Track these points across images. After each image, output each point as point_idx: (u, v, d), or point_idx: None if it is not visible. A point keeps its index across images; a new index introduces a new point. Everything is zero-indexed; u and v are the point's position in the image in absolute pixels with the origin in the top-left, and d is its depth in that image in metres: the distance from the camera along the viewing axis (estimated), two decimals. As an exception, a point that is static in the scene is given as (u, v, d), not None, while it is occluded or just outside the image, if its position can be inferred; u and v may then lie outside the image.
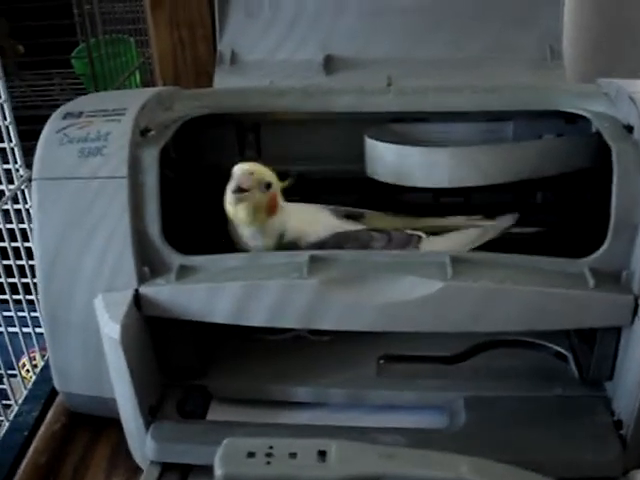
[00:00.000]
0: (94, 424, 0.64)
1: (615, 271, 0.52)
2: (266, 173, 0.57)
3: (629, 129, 0.54)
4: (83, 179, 0.55)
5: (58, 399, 0.65)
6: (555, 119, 0.64)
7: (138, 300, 0.55)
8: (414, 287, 0.52)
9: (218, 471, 0.45)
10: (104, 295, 0.55)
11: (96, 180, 0.55)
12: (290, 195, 0.61)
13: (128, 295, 0.55)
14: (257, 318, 0.54)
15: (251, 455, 0.46)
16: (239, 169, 0.57)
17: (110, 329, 0.53)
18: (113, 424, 0.61)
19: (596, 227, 0.63)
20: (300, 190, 0.62)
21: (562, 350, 0.61)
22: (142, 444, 0.56)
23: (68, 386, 0.61)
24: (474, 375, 0.59)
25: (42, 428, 0.63)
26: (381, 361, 0.61)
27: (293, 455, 0.46)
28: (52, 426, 0.63)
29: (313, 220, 0.60)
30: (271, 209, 0.58)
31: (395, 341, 0.62)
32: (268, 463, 0.45)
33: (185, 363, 0.59)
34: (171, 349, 0.58)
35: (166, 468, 0.55)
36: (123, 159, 0.55)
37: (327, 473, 0.45)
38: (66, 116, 0.59)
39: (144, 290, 0.55)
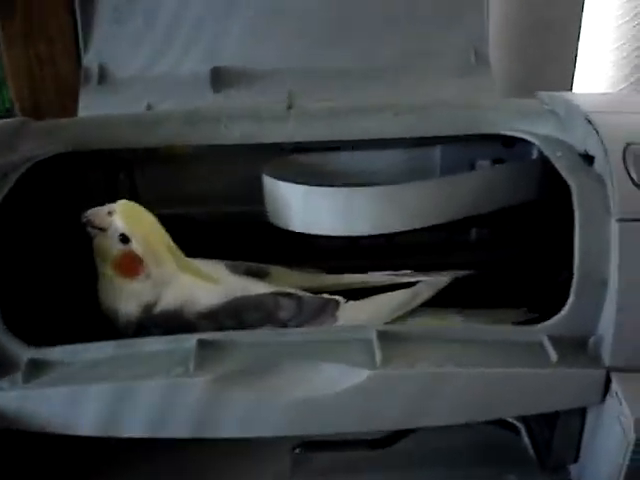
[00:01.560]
0: None
1: (580, 338, 0.42)
2: (128, 222, 0.45)
3: (589, 159, 0.44)
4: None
5: None
6: (490, 142, 0.54)
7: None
8: (334, 378, 0.40)
9: None
10: None
11: None
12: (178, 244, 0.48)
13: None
14: (134, 429, 0.42)
15: None
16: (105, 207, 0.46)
17: None
18: None
19: (544, 269, 0.53)
20: (186, 239, 0.50)
21: (513, 421, 0.51)
22: None
23: None
24: (406, 464, 0.49)
25: None
26: (296, 450, 0.50)
27: None
28: None
29: (203, 280, 0.48)
30: (128, 270, 0.46)
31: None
32: None
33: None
34: (24, 468, 0.45)
35: None
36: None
37: None
38: None
39: (-19, 394, 0.42)
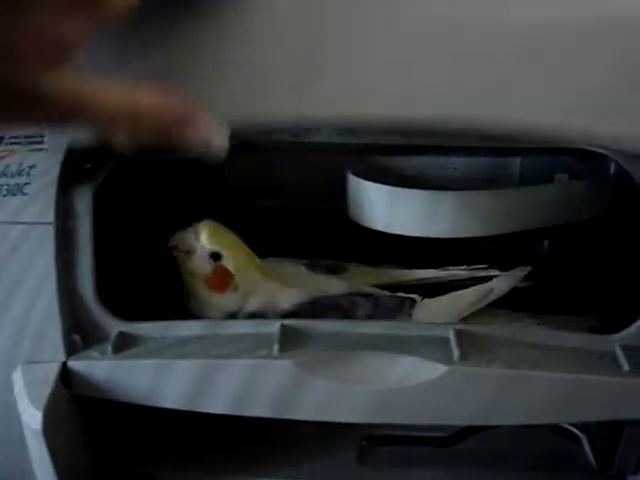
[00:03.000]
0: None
1: (654, 349, 0.43)
2: (216, 241, 0.48)
3: None
4: (2, 224, 0.44)
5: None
6: (569, 156, 0.55)
7: (66, 375, 0.44)
8: (411, 370, 0.42)
9: None
10: (24, 368, 0.44)
11: (17, 226, 0.44)
12: (257, 235, 0.50)
13: (53, 370, 0.44)
14: (217, 405, 0.44)
15: None
16: (188, 230, 0.48)
17: (30, 417, 0.42)
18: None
19: (614, 284, 0.54)
20: (266, 231, 0.52)
21: (575, 430, 0.52)
22: None
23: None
24: (470, 464, 0.50)
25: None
26: (364, 442, 0.51)
27: None
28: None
29: (284, 283, 0.50)
30: (219, 285, 0.48)
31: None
32: None
33: (127, 449, 0.48)
34: (108, 434, 0.47)
35: None
36: (50, 200, 0.44)
37: None
38: (-19, 144, 0.47)
39: (74, 364, 0.44)
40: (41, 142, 0.46)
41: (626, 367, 0.42)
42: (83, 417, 0.46)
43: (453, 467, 0.49)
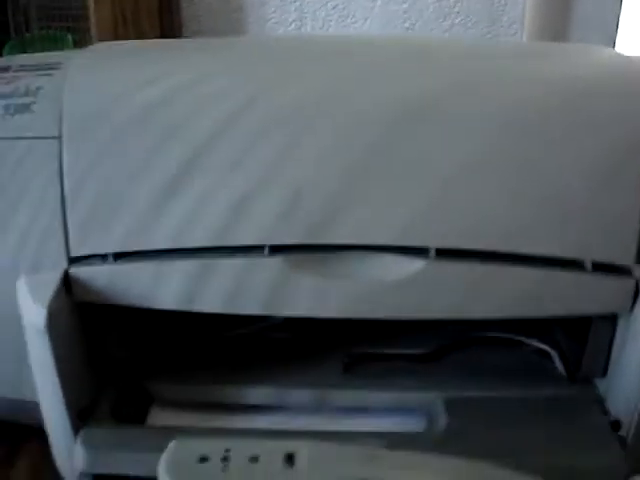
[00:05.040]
0: (12, 437, 0.55)
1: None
2: None
3: None
4: (7, 139, 0.47)
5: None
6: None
7: (68, 282, 0.47)
8: (392, 266, 0.45)
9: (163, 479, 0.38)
10: (28, 277, 0.47)
11: (23, 141, 0.47)
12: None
13: (56, 276, 0.47)
14: (211, 303, 0.47)
15: (204, 460, 0.38)
16: None
17: (35, 315, 0.45)
18: (35, 436, 0.52)
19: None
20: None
21: (545, 347, 0.55)
22: (70, 454, 0.47)
23: (-19, 388, 0.52)
24: (451, 374, 0.53)
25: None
26: (346, 360, 0.54)
27: (254, 459, 0.38)
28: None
29: None
30: None
31: (361, 339, 0.56)
32: (224, 469, 0.38)
33: (122, 357, 0.51)
34: (106, 341, 0.50)
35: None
36: (55, 117, 0.47)
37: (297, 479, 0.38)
38: (-10, 70, 0.51)
39: (75, 271, 0.47)
40: (48, 69, 0.50)
41: (589, 267, 0.46)
42: (83, 325, 0.49)
43: (434, 377, 0.52)
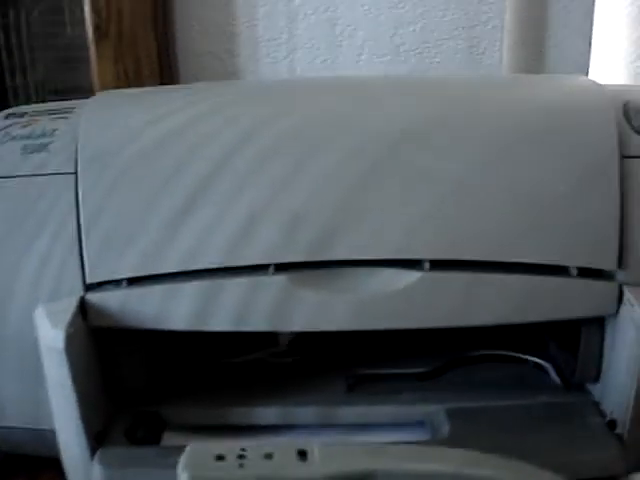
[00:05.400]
0: (29, 468, 0.56)
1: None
2: None
3: None
4: (26, 176, 0.51)
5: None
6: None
7: (84, 309, 0.50)
8: (390, 279, 0.48)
9: (183, 478, 0.39)
10: (46, 305, 0.49)
11: (41, 177, 0.51)
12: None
13: (73, 302, 0.49)
14: (220, 322, 0.49)
15: (220, 458, 0.40)
16: None
17: (53, 338, 0.47)
18: (50, 467, 0.54)
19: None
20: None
21: (539, 361, 0.58)
22: (87, 477, 0.49)
23: (1, 418, 0.53)
24: (452, 388, 0.55)
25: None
26: (350, 381, 0.56)
27: (269, 456, 0.40)
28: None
29: None
30: None
31: (363, 362, 0.58)
32: (241, 466, 0.40)
33: (135, 384, 0.53)
34: (120, 367, 0.52)
35: (115, 498, 0.48)
36: (71, 154, 0.51)
37: (311, 471, 0.39)
38: (8, 116, 0.55)
39: (91, 297, 0.50)
40: (62, 113, 0.54)
41: (574, 272, 0.49)
42: (98, 351, 0.51)
43: (435, 392, 0.55)
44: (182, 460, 0.40)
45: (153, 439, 0.52)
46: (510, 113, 0.51)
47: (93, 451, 0.49)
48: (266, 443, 0.44)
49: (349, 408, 0.53)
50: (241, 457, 0.40)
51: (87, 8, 0.73)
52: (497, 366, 0.58)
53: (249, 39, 0.79)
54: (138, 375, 0.53)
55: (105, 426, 0.51)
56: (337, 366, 0.58)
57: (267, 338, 0.60)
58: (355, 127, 0.51)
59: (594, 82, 0.56)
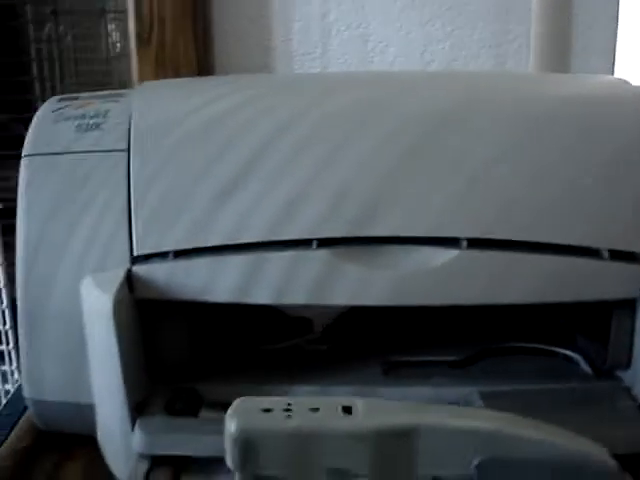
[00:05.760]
0: (61, 445, 0.57)
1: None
2: None
3: None
4: (80, 153, 0.53)
5: (23, 419, 0.58)
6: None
7: (130, 281, 0.51)
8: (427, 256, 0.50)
9: (232, 426, 0.40)
10: (94, 275, 0.51)
11: (94, 154, 0.53)
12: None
13: (120, 274, 0.51)
14: (263, 295, 0.51)
15: (267, 411, 0.41)
16: None
17: (102, 304, 0.48)
18: (85, 444, 0.55)
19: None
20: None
21: (570, 353, 0.58)
22: (126, 446, 0.50)
23: (40, 392, 0.54)
24: (484, 375, 0.56)
25: (2, 449, 0.56)
26: (384, 367, 0.57)
27: (315, 410, 0.41)
28: (15, 445, 0.56)
29: None
30: None
31: (396, 350, 0.59)
32: (288, 417, 0.41)
33: (176, 359, 0.54)
34: (162, 341, 0.53)
35: (156, 463, 0.49)
36: (123, 133, 0.53)
37: (356, 424, 0.40)
38: (61, 100, 0.57)
39: (138, 269, 0.51)
40: (114, 97, 0.56)
41: (606, 255, 0.50)
42: (142, 323, 0.52)
43: (469, 377, 0.56)
44: (230, 411, 0.41)
45: (191, 413, 0.53)
46: (545, 101, 0.54)
47: (134, 421, 0.50)
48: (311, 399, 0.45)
49: (385, 389, 0.54)
50: (287, 410, 0.41)
51: (130, 15, 0.77)
52: (527, 358, 0.59)
53: (284, 53, 0.82)
54: (179, 350, 0.54)
55: (145, 399, 0.52)
56: (371, 353, 0.59)
57: (303, 325, 0.61)
58: (392, 111, 0.53)
59: (621, 79, 0.59)
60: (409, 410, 0.42)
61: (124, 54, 0.92)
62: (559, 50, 0.79)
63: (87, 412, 0.53)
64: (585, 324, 0.59)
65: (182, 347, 0.54)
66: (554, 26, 0.80)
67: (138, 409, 0.51)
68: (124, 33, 0.89)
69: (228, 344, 0.59)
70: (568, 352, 0.59)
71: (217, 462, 0.45)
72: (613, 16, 0.78)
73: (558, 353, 0.59)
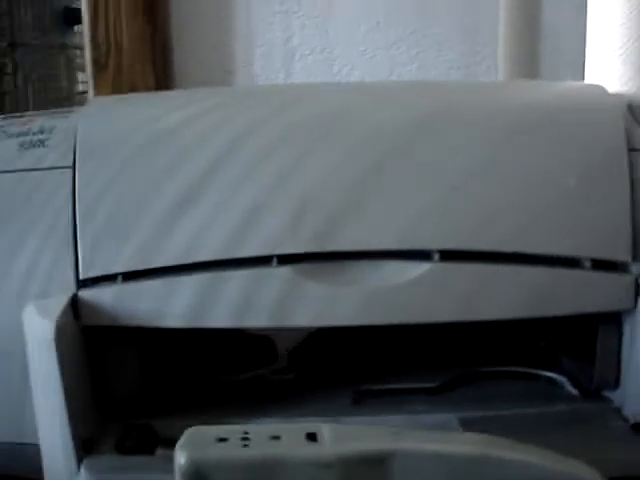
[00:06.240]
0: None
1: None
2: None
3: None
4: (22, 171, 0.49)
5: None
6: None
7: (76, 307, 0.47)
8: (396, 270, 0.46)
9: (181, 458, 0.36)
10: (36, 303, 0.47)
11: (37, 172, 0.49)
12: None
13: (64, 300, 0.47)
14: (221, 318, 0.47)
15: (222, 440, 0.37)
16: None
17: (43, 329, 0.44)
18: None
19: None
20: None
21: (554, 375, 0.55)
22: (71, 487, 0.45)
23: (-21, 433, 0.49)
24: (464, 401, 0.52)
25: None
26: (355, 396, 0.53)
27: (276, 438, 0.37)
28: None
29: None
30: None
31: (368, 378, 0.55)
32: (246, 446, 0.36)
33: (127, 392, 0.49)
34: (111, 373, 0.49)
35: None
36: (69, 149, 0.49)
37: (322, 451, 0.36)
38: (5, 118, 0.54)
39: (84, 294, 0.47)
40: (61, 113, 0.53)
41: (588, 264, 0.47)
42: (89, 353, 0.48)
43: (447, 402, 0.52)
44: (180, 441, 0.37)
45: (146, 451, 0.48)
46: (522, 108, 0.51)
47: (80, 460, 0.45)
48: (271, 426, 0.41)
49: (356, 418, 0.50)
50: (245, 439, 0.37)
51: (87, 41, 0.74)
52: (508, 382, 0.55)
53: (246, 78, 0.80)
54: (131, 382, 0.49)
55: (93, 436, 0.47)
56: (341, 381, 0.54)
57: (267, 354, 0.57)
58: (359, 121, 0.50)
59: (599, 86, 0.56)
60: (382, 435, 0.38)
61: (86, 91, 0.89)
62: (527, 70, 0.78)
63: (32, 454, 0.48)
64: (569, 343, 0.55)
65: (133, 378, 0.50)
66: (521, 46, 0.79)
67: (85, 448, 0.46)
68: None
69: (185, 375, 0.55)
70: (552, 374, 0.55)
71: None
72: (581, 34, 0.76)
73: (540, 376, 0.55)
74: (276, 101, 0.53)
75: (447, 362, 0.56)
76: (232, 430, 0.37)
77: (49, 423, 0.45)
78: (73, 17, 0.99)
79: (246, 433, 0.37)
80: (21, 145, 0.50)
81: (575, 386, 0.53)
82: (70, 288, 0.47)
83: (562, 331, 0.55)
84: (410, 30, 0.79)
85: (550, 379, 0.55)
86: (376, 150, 0.49)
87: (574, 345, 0.54)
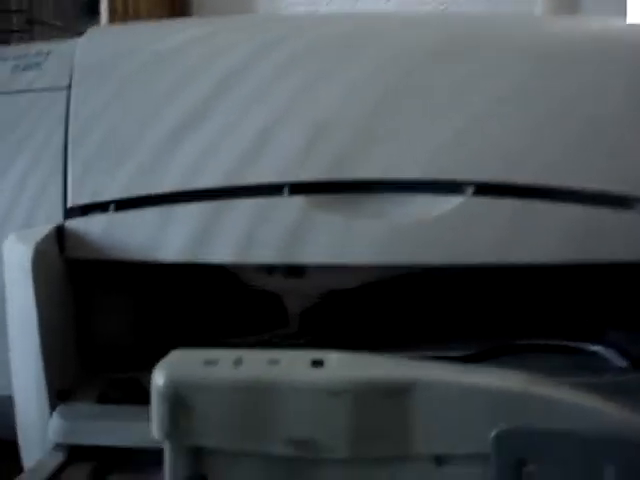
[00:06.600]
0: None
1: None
2: None
3: None
4: (15, 93, 0.45)
5: None
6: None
7: (62, 237, 0.42)
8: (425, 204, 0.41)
9: (159, 379, 0.30)
10: (18, 232, 0.42)
11: (30, 93, 0.45)
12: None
13: (48, 229, 0.41)
14: (222, 252, 0.41)
15: (211, 363, 0.31)
16: None
17: (20, 256, 0.39)
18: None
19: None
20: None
21: (599, 348, 0.48)
22: (43, 442, 0.39)
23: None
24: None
25: None
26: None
27: (274, 362, 0.31)
28: None
29: None
30: None
31: (386, 344, 0.48)
32: (237, 368, 0.30)
33: (118, 342, 0.44)
34: (101, 319, 0.43)
35: (74, 456, 0.38)
36: (65, 70, 0.45)
37: (329, 376, 0.30)
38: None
39: (71, 223, 0.42)
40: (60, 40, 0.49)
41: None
42: (75, 293, 0.42)
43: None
44: (160, 364, 0.31)
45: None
46: (561, 34, 0.46)
47: (53, 407, 0.39)
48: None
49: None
50: (238, 362, 0.31)
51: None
52: (552, 355, 0.48)
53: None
54: (122, 332, 0.44)
55: (72, 387, 0.42)
56: (357, 348, 0.48)
57: (276, 317, 0.51)
58: (386, 39, 0.45)
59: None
60: (403, 364, 0.32)
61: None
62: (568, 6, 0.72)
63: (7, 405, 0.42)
64: (617, 314, 0.48)
65: (126, 328, 0.45)
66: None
67: (61, 396, 0.40)
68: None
69: (186, 333, 0.49)
70: (598, 347, 0.48)
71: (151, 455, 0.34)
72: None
73: (583, 350, 0.49)
74: (292, 24, 0.48)
75: (486, 333, 0.50)
76: (224, 354, 0.32)
77: (23, 364, 0.40)
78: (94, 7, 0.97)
79: (239, 357, 0.32)
80: (15, 67, 0.46)
81: (624, 356, 0.46)
82: (57, 217, 0.42)
83: (611, 298, 0.49)
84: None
85: (593, 352, 0.48)
86: (401, 71, 0.43)
87: (624, 314, 0.47)
